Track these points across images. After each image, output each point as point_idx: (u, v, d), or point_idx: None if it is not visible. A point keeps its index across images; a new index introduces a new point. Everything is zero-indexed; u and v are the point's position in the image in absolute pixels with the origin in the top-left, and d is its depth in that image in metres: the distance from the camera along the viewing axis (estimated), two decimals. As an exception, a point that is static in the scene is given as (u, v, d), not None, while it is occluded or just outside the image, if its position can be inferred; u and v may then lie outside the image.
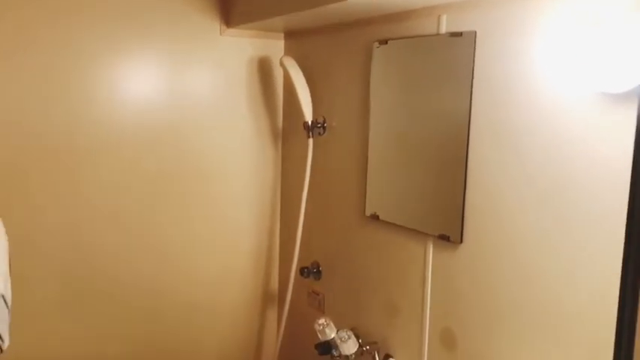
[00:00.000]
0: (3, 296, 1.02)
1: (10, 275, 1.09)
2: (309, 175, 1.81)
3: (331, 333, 1.55)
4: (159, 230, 1.84)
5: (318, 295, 1.88)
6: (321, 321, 1.57)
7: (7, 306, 1.06)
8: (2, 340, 1.01)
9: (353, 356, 1.52)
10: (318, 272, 1.86)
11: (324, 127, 1.78)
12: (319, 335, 1.56)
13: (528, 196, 1.13)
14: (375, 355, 1.52)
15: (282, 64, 1.78)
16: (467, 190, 1.28)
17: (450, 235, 1.32)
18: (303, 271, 1.87)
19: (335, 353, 1.53)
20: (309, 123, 1.78)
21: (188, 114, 1.83)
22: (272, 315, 2.12)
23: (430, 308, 1.39)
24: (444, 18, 1.31)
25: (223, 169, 1.93)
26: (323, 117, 1.78)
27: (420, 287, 1.42)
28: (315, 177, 1.83)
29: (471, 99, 1.25)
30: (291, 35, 1.93)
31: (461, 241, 1.29)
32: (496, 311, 1.21)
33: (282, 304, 1.98)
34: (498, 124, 1.19)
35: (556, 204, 1.08)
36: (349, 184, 1.68)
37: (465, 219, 1.29)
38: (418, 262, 1.42)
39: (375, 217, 1.57)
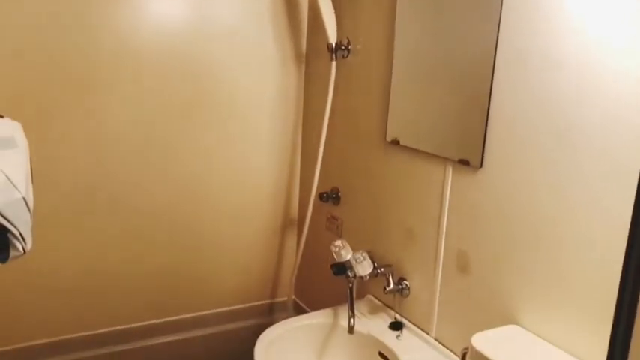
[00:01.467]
0: (25, 199, 1.05)
1: (32, 181, 1.11)
2: (332, 100, 1.79)
3: (347, 254, 1.57)
4: (181, 155, 1.86)
5: (336, 220, 1.89)
6: (338, 242, 1.59)
7: (29, 209, 1.09)
8: (25, 242, 1.05)
9: (367, 277, 1.54)
10: (337, 198, 1.87)
11: (348, 50, 1.74)
12: (335, 256, 1.59)
13: (548, 131, 1.10)
14: (389, 276, 1.55)
15: (307, -17, 1.73)
16: (489, 117, 1.24)
17: (470, 160, 1.30)
18: (322, 197, 1.89)
19: (350, 274, 1.55)
20: (333, 45, 1.74)
21: (210, 40, 1.81)
22: (291, 239, 2.15)
23: (446, 232, 1.39)
24: None
25: (245, 94, 1.92)
26: (347, 39, 1.73)
27: (437, 212, 1.42)
28: (338, 102, 1.80)
29: (499, 24, 1.19)
30: (318, -47, 1.86)
31: (480, 166, 1.27)
32: (511, 239, 1.21)
33: (301, 229, 2.01)
34: (525, 53, 1.14)
35: (572, 145, 1.04)
36: (371, 109, 1.66)
37: (486, 145, 1.26)
38: (437, 187, 1.41)
39: (395, 143, 1.55)
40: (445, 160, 1.38)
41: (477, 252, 1.31)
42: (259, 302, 2.16)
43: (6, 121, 1.10)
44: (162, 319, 1.96)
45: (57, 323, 1.78)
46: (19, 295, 1.71)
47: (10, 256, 1.05)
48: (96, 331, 1.85)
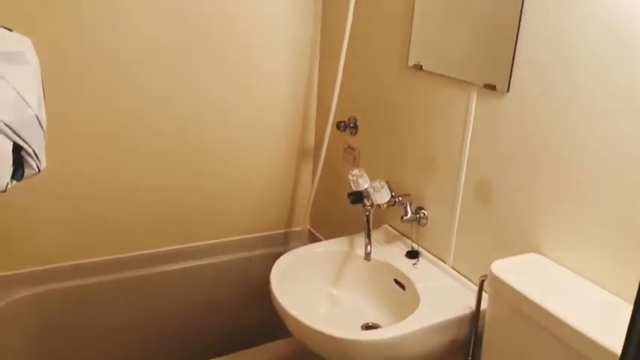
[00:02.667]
0: (37, 117, 1.03)
1: (45, 100, 1.09)
2: (351, 24, 1.71)
3: (364, 183, 1.55)
4: (197, 81, 1.81)
5: (353, 150, 1.86)
6: (355, 171, 1.56)
7: (42, 128, 1.07)
8: (39, 161, 1.03)
9: (385, 206, 1.52)
10: (355, 127, 1.83)
11: (369, -31, 1.65)
12: (352, 185, 1.56)
13: (581, 57, 1.03)
14: (407, 206, 1.53)
15: None
16: (519, 38, 1.18)
17: (497, 85, 1.24)
18: (339, 126, 1.85)
19: (367, 203, 1.53)
20: (354, -36, 1.65)
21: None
22: (307, 169, 2.13)
23: (468, 161, 1.36)
24: None
25: (262, 19, 1.84)
26: (369, -43, 1.64)
27: (459, 139, 1.37)
28: (358, 26, 1.72)
29: None
30: None
31: (507, 91, 1.22)
32: (535, 168, 1.17)
33: (317, 158, 1.98)
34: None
35: (607, 76, 0.98)
36: (393, 32, 1.58)
37: (514, 69, 1.20)
38: (460, 113, 1.36)
39: (418, 67, 1.49)
40: (470, 84, 1.32)
41: (498, 181, 1.27)
42: (275, 232, 2.16)
43: (15, 35, 1.06)
44: (178, 246, 1.97)
45: (74, 247, 1.81)
46: (35, 217, 1.73)
47: (25, 175, 1.04)
48: (110, 257, 1.87)
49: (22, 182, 1.11)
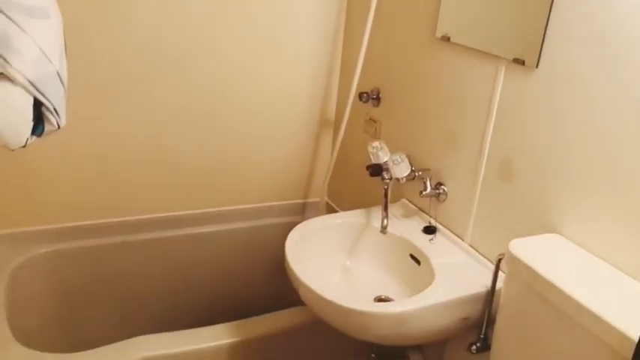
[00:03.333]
0: (58, 73, 1.02)
1: (67, 56, 1.08)
2: (379, -8, 1.67)
3: (384, 156, 1.53)
4: (220, 46, 1.79)
5: (375, 122, 1.83)
6: (375, 144, 1.54)
7: (63, 84, 1.06)
8: (59, 117, 1.03)
9: (404, 180, 1.51)
10: (378, 99, 1.80)
11: (400, -64, 1.60)
12: (372, 158, 1.55)
13: (617, 38, 0.99)
14: (426, 180, 1.51)
15: None
16: (552, 12, 1.13)
17: (526, 60, 1.20)
18: (362, 97, 1.82)
19: (386, 176, 1.52)
20: None
21: None
22: (327, 139, 2.11)
23: (491, 137, 1.32)
24: None
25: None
26: None
27: (484, 115, 1.34)
28: (385, -6, 1.68)
29: None
30: None
31: (536, 67, 1.18)
32: (560, 147, 1.14)
33: (337, 129, 1.96)
34: None
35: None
36: (421, 1, 1.54)
37: (545, 44, 1.16)
38: (486, 88, 1.33)
39: (445, 39, 1.45)
40: (498, 58, 1.28)
41: (522, 159, 1.25)
42: (292, 201, 2.16)
43: (37, -11, 1.04)
44: (195, 211, 1.98)
45: (94, 206, 1.83)
46: (58, 175, 1.74)
47: (45, 131, 1.04)
48: (128, 218, 1.89)
49: (43, 138, 1.11)
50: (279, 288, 2.11)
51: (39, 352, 1.35)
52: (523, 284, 1.07)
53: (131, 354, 1.38)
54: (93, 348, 1.39)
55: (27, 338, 1.43)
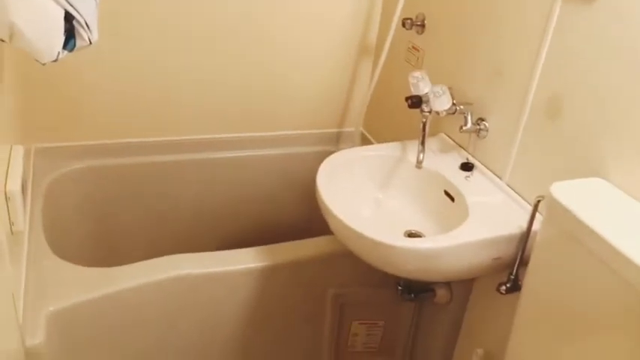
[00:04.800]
0: (90, -13, 0.99)
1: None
2: None
3: (425, 88, 1.46)
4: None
5: (417, 51, 1.75)
6: (417, 74, 1.47)
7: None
8: (90, 32, 1.00)
9: (444, 113, 1.44)
10: (422, 26, 1.70)
11: None
12: (412, 89, 1.48)
13: None
14: (467, 115, 1.44)
15: None
16: None
17: (589, -13, 1.10)
18: (405, 23, 1.72)
19: (425, 108, 1.45)
20: None
21: None
22: (366, 67, 2.04)
23: (541, 71, 1.24)
24: None
25: None
26: None
27: (535, 48, 1.25)
28: None
29: None
30: None
31: (600, -4, 1.08)
32: (615, 86, 1.05)
33: (377, 57, 1.88)
34: None
35: None
36: None
37: (613, -30, 1.05)
38: (539, 19, 1.23)
39: (499, -38, 1.34)
40: (557, -15, 1.18)
41: (572, 97, 1.17)
42: (326, 130, 2.12)
43: None
44: (228, 135, 1.97)
45: (131, 125, 1.83)
46: (98, 92, 1.74)
47: (77, 46, 1.02)
48: (163, 139, 1.89)
49: (84, 55, 1.08)
50: (310, 217, 2.12)
51: (73, 264, 1.39)
52: (561, 228, 1.03)
53: (162, 272, 1.41)
54: (125, 264, 1.42)
55: (62, 251, 1.48)
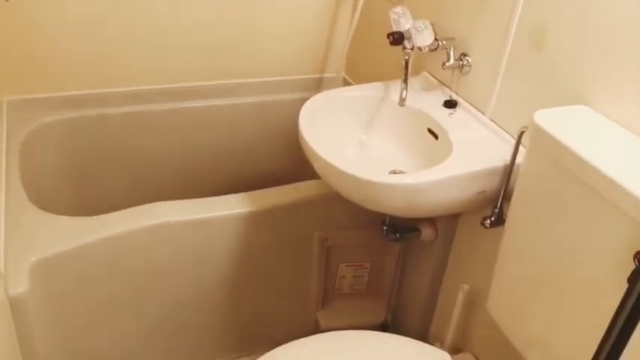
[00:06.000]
0: None
1: None
2: None
3: (406, 23, 1.42)
4: None
5: (398, -12, 1.70)
6: (398, 9, 1.43)
7: None
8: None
9: (426, 49, 1.42)
10: (402, -38, 1.65)
11: None
12: (393, 25, 1.44)
13: None
14: (450, 51, 1.41)
15: None
16: None
17: None
18: (385, -41, 1.67)
19: (407, 45, 1.42)
20: None
21: None
22: (346, 6, 1.98)
23: (524, 1, 1.21)
24: None
25: None
26: None
27: (517, -24, 1.22)
28: None
29: None
30: None
31: None
32: (601, 14, 1.03)
33: (358, -3, 1.83)
34: None
35: None
36: None
37: None
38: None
39: None
40: None
41: (556, 27, 1.14)
42: (307, 76, 2.08)
43: None
44: (207, 82, 1.93)
45: (108, 74, 1.79)
46: (69, 42, 1.68)
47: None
48: (140, 88, 1.85)
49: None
50: (293, 164, 2.10)
51: (54, 214, 1.37)
52: (546, 157, 1.02)
53: (144, 220, 1.39)
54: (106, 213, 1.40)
55: (42, 203, 1.45)
